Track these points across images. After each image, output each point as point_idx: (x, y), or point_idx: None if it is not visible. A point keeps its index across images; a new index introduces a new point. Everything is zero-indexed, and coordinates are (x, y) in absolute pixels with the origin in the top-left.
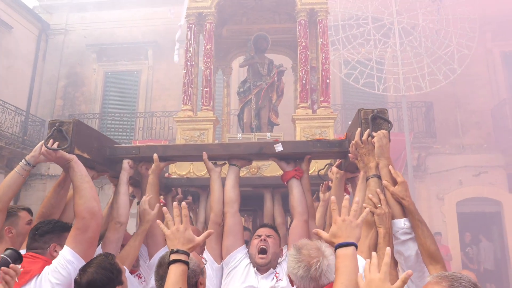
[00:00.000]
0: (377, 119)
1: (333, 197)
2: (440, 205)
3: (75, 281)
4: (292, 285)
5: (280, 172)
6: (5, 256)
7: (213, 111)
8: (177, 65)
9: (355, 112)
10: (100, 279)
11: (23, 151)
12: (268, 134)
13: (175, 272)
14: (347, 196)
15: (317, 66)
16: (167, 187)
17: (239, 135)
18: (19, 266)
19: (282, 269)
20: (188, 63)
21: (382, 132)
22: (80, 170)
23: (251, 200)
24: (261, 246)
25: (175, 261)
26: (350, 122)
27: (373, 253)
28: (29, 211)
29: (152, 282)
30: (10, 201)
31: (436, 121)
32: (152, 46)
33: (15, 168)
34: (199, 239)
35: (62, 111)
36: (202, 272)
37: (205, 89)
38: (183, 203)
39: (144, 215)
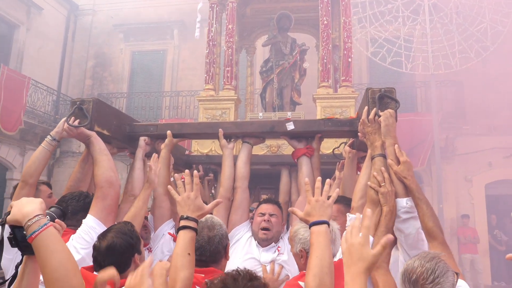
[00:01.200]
0: (384, 98)
1: (306, 179)
2: (468, 187)
3: (94, 246)
4: (304, 260)
5: None
6: (51, 212)
7: (235, 90)
8: (203, 44)
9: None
10: (120, 243)
11: None
12: (289, 113)
13: (184, 238)
14: (319, 178)
15: (340, 45)
16: (187, 164)
17: (260, 114)
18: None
19: (285, 243)
20: (210, 43)
21: (388, 111)
22: (98, 144)
23: (271, 179)
24: (264, 226)
25: (184, 227)
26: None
27: (357, 214)
28: (49, 184)
29: (157, 253)
30: (40, 175)
31: (466, 101)
32: (177, 25)
33: (41, 144)
34: (208, 207)
35: (91, 90)
36: (228, 238)
37: (227, 68)
38: (195, 171)
39: (149, 181)
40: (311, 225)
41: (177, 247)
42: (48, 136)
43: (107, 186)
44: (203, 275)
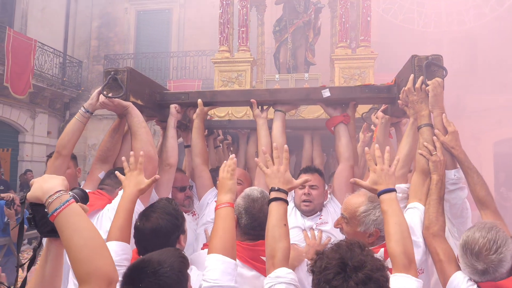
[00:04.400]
0: (431, 66)
1: (366, 148)
2: (476, 145)
3: (137, 228)
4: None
5: (317, 114)
6: (73, 194)
7: (250, 52)
8: (209, 3)
9: (390, 50)
10: (166, 225)
11: (64, 92)
12: (306, 74)
13: (278, 210)
14: (377, 146)
15: (356, 3)
16: (209, 130)
17: (277, 76)
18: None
19: (328, 211)
20: (224, 2)
21: (437, 80)
22: (137, 116)
23: (289, 142)
24: (305, 199)
25: (276, 199)
26: (399, 66)
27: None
28: (74, 158)
29: (203, 219)
30: (73, 147)
31: (478, 58)
32: None
33: (75, 116)
34: (297, 181)
35: (97, 51)
36: None
37: (242, 29)
38: (285, 146)
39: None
40: (380, 193)
41: (272, 218)
42: (82, 108)
43: (146, 161)
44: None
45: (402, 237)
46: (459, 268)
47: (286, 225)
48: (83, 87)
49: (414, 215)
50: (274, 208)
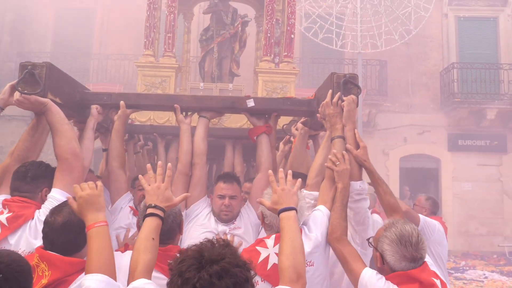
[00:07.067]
0: (348, 84)
1: (270, 171)
2: (385, 160)
3: (47, 222)
4: (263, 223)
5: (240, 124)
6: None
7: (175, 58)
8: (134, 6)
9: (312, 66)
10: (77, 221)
11: None
12: (230, 85)
13: (149, 225)
14: (281, 169)
15: (281, 20)
16: (129, 134)
17: (201, 84)
18: None
19: (241, 217)
20: (151, 6)
21: (352, 97)
22: (58, 112)
23: (210, 150)
24: (225, 210)
25: (151, 214)
26: (308, 78)
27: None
28: None
29: (115, 225)
30: None
31: (388, 79)
32: None
33: None
34: (176, 200)
35: (10, 48)
36: (181, 215)
37: (168, 34)
38: (169, 164)
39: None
40: (280, 211)
41: (142, 232)
42: None
43: (73, 158)
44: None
45: (293, 252)
46: (365, 265)
47: (154, 239)
48: None
49: (316, 215)
50: (147, 223)
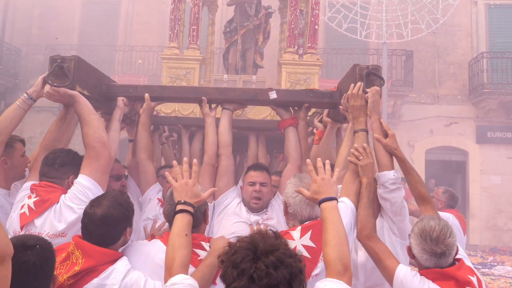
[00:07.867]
0: (370, 75)
1: (308, 160)
2: (410, 152)
3: (86, 213)
4: (286, 212)
5: (263, 115)
6: None
7: (200, 50)
8: None
9: (336, 57)
10: (116, 214)
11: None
12: (254, 77)
13: (181, 221)
14: (319, 159)
15: (305, 10)
16: (154, 125)
17: (225, 76)
18: None
19: (273, 208)
20: None
21: (375, 88)
22: (85, 104)
23: (234, 141)
24: (256, 196)
25: (182, 211)
26: (337, 72)
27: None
28: (23, 142)
29: (144, 216)
30: (10, 134)
31: (414, 70)
32: None
33: (16, 101)
34: (204, 195)
35: (38, 40)
36: (206, 203)
37: (193, 27)
38: (194, 160)
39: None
40: (321, 201)
41: (174, 229)
42: (24, 94)
43: (100, 146)
44: None
45: (338, 243)
46: (398, 262)
47: (188, 235)
48: (21, 77)
49: (340, 207)
50: (179, 220)
